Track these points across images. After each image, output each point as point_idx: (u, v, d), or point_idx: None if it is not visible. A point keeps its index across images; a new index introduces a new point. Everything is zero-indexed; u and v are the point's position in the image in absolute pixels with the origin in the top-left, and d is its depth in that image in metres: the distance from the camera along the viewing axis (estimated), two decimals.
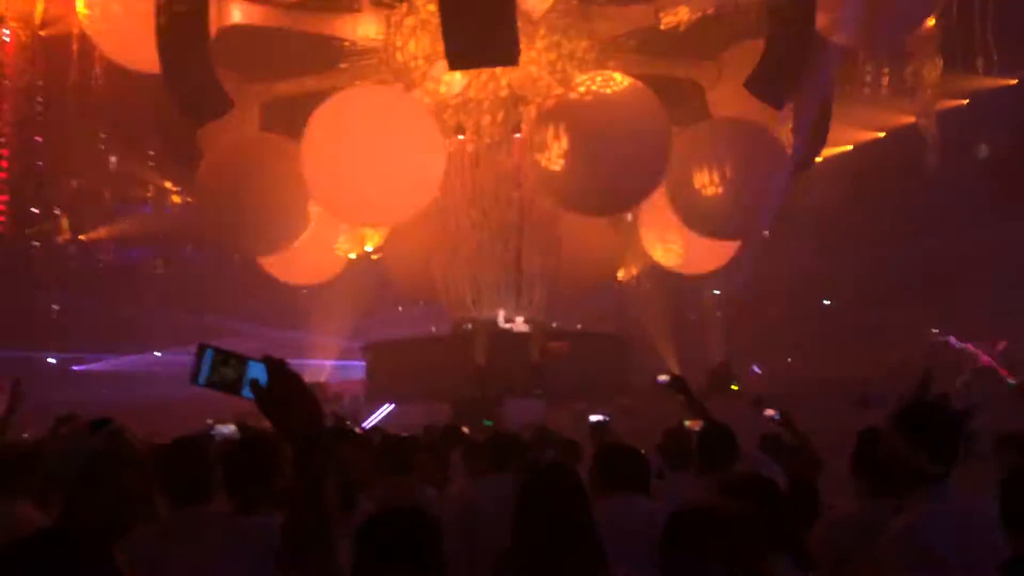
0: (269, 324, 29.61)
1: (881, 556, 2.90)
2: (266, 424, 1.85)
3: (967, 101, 24.28)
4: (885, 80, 19.78)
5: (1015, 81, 24.97)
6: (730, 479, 3.25)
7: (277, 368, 1.76)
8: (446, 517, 4.09)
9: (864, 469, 3.43)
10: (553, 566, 2.66)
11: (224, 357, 1.77)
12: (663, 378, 5.63)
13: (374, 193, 16.31)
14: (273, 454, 2.91)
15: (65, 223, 32.03)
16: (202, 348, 1.77)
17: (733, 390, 20.54)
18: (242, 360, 1.77)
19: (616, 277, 23.67)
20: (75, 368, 32.23)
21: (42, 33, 19.86)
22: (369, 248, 22.04)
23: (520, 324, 19.86)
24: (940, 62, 18.81)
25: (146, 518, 2.62)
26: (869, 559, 3.21)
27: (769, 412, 6.04)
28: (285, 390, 1.75)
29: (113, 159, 28.99)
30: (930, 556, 2.82)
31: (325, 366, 25.67)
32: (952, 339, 22.85)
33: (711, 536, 2.17)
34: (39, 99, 26.27)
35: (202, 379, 1.76)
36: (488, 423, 10.63)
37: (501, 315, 19.69)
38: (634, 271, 23.84)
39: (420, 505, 2.56)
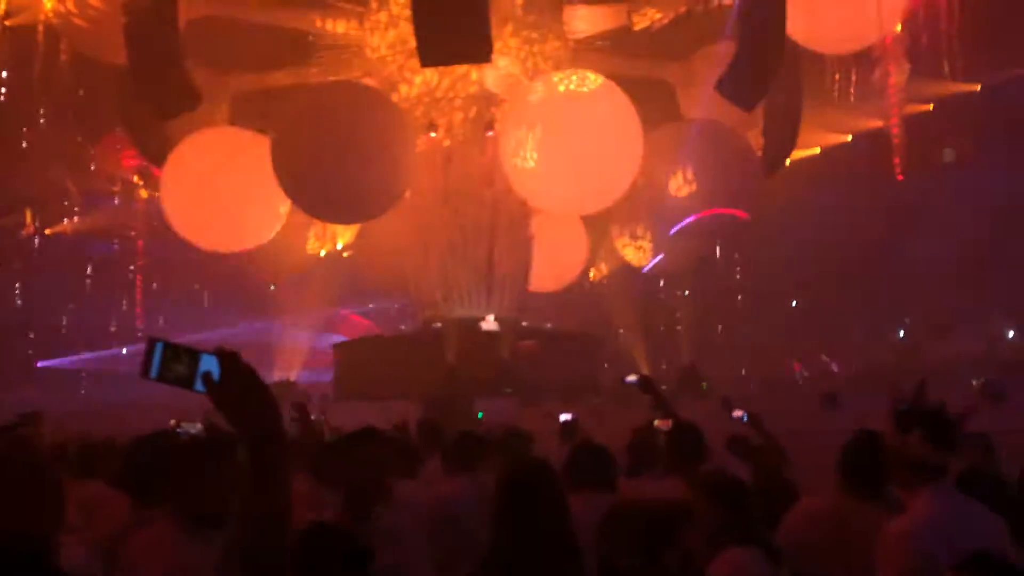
0: (238, 320, 29.35)
1: (880, 556, 2.95)
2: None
3: (932, 106, 24.65)
4: (853, 84, 20.03)
5: (979, 86, 25.38)
6: (699, 477, 3.28)
7: (230, 361, 1.71)
8: (420, 515, 4.08)
9: (849, 467, 3.48)
10: (531, 561, 2.66)
11: (175, 351, 1.71)
12: (632, 378, 5.66)
13: (344, 190, 16.21)
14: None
15: (29, 216, 31.52)
16: (152, 341, 1.72)
17: (702, 390, 20.66)
18: (194, 353, 1.72)
19: (587, 276, 23.75)
20: (40, 364, 31.71)
21: (7, 23, 19.52)
22: (340, 245, 21.93)
23: (491, 323, 19.84)
24: (907, 67, 19.08)
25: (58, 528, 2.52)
26: (839, 553, 3.25)
27: (737, 413, 6.08)
28: (238, 384, 1.70)
29: (79, 152, 28.56)
30: (927, 559, 2.84)
31: (294, 365, 25.46)
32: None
33: (642, 531, 2.19)
34: (2, 89, 25.85)
35: (153, 373, 1.70)
36: (480, 415, 10.64)
37: (490, 319, 19.67)
38: (604, 270, 23.93)
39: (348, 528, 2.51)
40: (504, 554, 2.71)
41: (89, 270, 34.24)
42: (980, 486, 3.28)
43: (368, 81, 19.18)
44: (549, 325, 26.41)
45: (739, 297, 34.36)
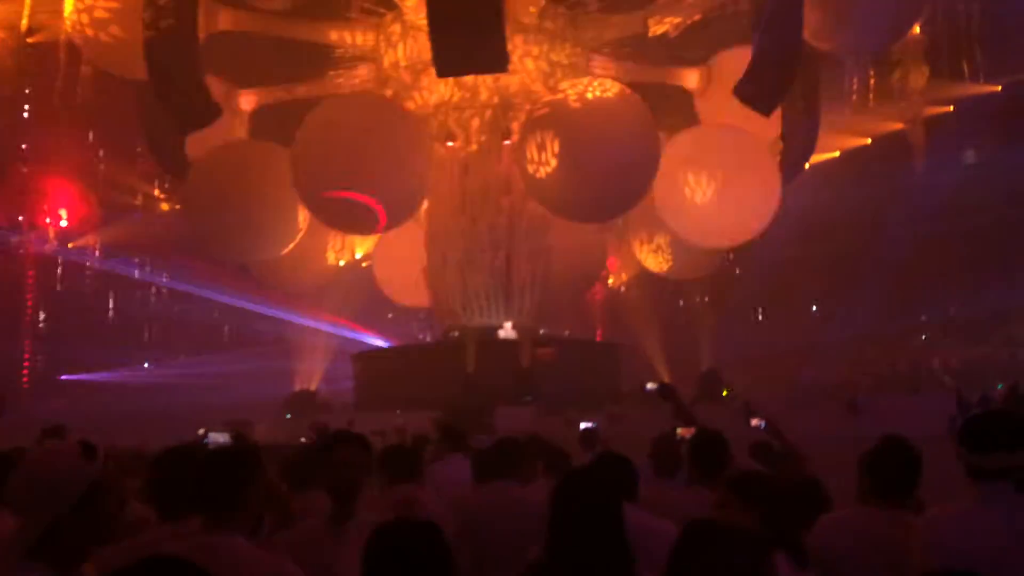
0: (258, 331, 29.50)
1: (918, 547, 2.90)
2: (259, 435, 1.80)
3: (952, 107, 24.47)
4: (872, 87, 19.93)
5: (999, 88, 25.16)
6: (731, 477, 3.26)
7: None
8: (452, 522, 4.09)
9: (878, 474, 3.43)
10: (589, 568, 2.65)
11: None
12: (652, 385, 5.64)
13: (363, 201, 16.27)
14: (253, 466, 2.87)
15: (52, 231, 31.86)
16: None
17: (723, 397, 20.55)
18: None
19: (605, 283, 23.71)
20: (63, 377, 31.96)
21: (29, 40, 19.78)
22: (359, 255, 22.01)
23: (509, 331, 19.82)
24: (926, 69, 18.97)
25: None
26: (868, 560, 3.23)
27: (754, 422, 6.04)
28: None
29: (101, 166, 28.90)
30: (956, 551, 2.79)
31: (314, 374, 25.53)
32: None
33: (720, 548, 2.20)
34: (26, 106, 26.20)
35: None
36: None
37: (508, 326, 19.65)
38: (623, 277, 23.87)
39: (430, 517, 2.51)
40: (559, 564, 2.69)
41: (111, 284, 34.57)
42: None
43: (385, 92, 19.28)
44: (567, 333, 26.39)
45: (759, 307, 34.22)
